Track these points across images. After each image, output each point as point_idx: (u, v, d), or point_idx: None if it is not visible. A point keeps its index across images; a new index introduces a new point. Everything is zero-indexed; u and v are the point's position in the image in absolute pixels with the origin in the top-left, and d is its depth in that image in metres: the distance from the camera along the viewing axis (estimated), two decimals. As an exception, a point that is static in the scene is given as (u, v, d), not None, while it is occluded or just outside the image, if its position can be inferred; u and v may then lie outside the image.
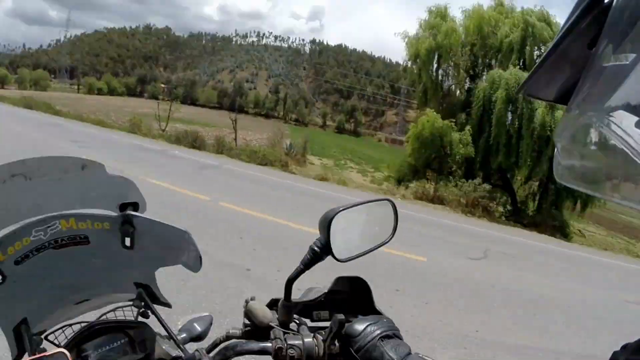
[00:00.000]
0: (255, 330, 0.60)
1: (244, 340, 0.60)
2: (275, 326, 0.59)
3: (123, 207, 0.64)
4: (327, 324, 0.58)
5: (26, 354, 0.59)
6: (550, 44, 0.37)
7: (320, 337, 0.57)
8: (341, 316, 0.54)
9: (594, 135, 0.30)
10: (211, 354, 0.59)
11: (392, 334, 0.56)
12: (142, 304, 0.68)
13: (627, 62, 0.27)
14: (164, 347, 0.63)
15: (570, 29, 0.34)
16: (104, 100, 55.99)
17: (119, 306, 0.70)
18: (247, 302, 0.61)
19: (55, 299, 0.65)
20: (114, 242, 0.61)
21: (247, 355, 0.58)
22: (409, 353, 0.53)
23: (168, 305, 0.71)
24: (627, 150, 0.26)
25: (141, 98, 76.93)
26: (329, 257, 0.59)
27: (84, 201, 0.63)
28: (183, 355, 0.62)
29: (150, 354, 0.60)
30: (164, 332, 0.65)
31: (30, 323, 0.60)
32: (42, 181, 0.59)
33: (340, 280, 0.64)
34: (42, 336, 0.56)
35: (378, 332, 0.55)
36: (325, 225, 0.59)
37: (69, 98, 46.43)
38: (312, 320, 0.63)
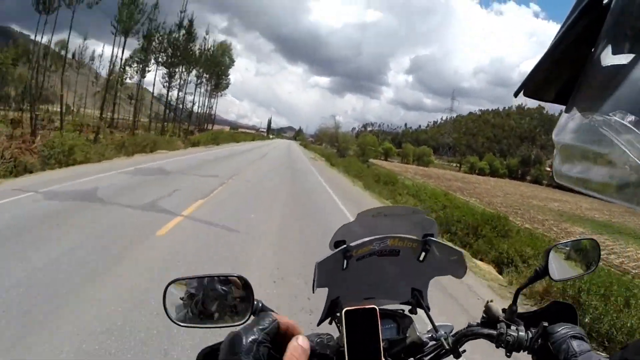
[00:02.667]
0: (489, 322, 0.83)
1: (479, 326, 0.83)
2: (502, 320, 0.81)
3: (425, 235, 0.92)
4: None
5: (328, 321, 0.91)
6: (550, 44, 0.37)
7: (530, 333, 0.77)
8: (546, 323, 0.74)
9: (593, 136, 0.29)
10: (454, 335, 0.83)
11: (580, 336, 0.71)
12: (415, 303, 0.97)
13: (627, 62, 0.27)
14: (418, 334, 0.86)
15: (569, 29, 0.34)
16: (496, 184, 50.89)
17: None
18: (487, 302, 0.86)
19: (360, 292, 0.96)
20: (414, 257, 0.92)
21: (480, 341, 0.81)
22: (589, 350, 0.69)
23: (428, 308, 0.96)
24: (626, 150, 0.26)
25: (522, 181, 73.94)
26: None
27: (409, 230, 0.92)
28: (435, 336, 0.85)
29: (408, 337, 0.84)
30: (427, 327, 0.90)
31: (341, 301, 0.90)
32: (392, 217, 0.92)
33: (555, 303, 0.84)
34: (344, 311, 0.70)
35: (570, 333, 0.71)
36: (545, 253, 0.85)
37: (456, 178, 48.02)
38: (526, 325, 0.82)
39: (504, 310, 0.83)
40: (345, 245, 0.85)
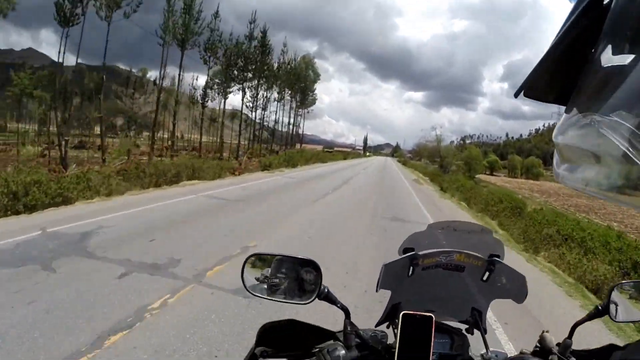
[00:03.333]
0: (542, 352, 0.82)
1: (530, 356, 0.82)
2: (556, 353, 0.80)
3: (491, 255, 0.90)
4: None
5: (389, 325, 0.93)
6: (550, 44, 0.37)
7: None
8: None
9: (593, 136, 0.29)
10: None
11: None
12: (472, 322, 0.96)
13: (627, 63, 0.27)
14: (470, 354, 0.86)
15: (570, 29, 0.34)
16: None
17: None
18: (543, 332, 0.85)
19: (421, 302, 0.92)
20: (478, 275, 0.91)
21: None
22: None
23: (485, 330, 0.95)
24: (627, 151, 0.25)
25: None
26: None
27: (475, 248, 0.90)
28: (486, 357, 0.85)
29: (460, 355, 0.84)
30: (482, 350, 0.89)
31: (402, 307, 0.89)
32: (461, 232, 0.94)
33: (611, 346, 0.80)
34: (401, 314, 0.76)
35: None
36: (609, 291, 0.84)
37: (577, 193, 40.21)
38: None
39: (558, 344, 0.82)
40: (413, 252, 0.87)
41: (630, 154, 0.25)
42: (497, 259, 0.89)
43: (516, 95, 0.42)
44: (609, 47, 0.30)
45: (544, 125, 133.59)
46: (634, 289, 0.91)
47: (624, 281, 0.87)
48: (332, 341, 0.80)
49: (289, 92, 38.95)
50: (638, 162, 0.25)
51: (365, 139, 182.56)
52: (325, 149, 75.76)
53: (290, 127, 43.50)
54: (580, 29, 0.34)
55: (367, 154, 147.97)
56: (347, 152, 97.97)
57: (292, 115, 43.12)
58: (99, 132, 21.92)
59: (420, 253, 0.87)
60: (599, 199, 0.31)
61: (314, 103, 47.60)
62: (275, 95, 35.50)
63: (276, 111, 38.27)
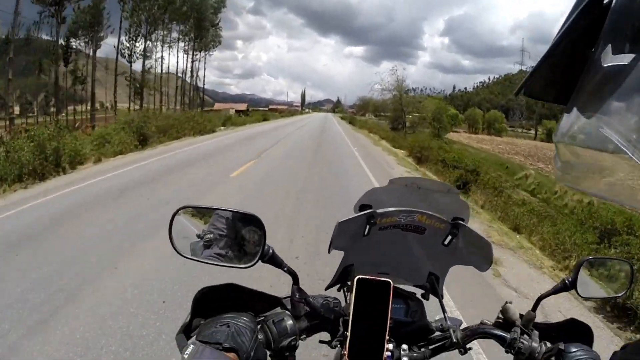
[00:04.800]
0: (503, 324, 0.79)
1: (492, 326, 0.79)
2: (518, 325, 0.77)
3: (455, 218, 0.84)
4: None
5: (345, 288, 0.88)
6: (550, 44, 0.36)
7: (543, 347, 0.74)
8: (562, 345, 0.71)
9: (593, 136, 0.29)
10: (463, 330, 0.80)
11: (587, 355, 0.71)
12: (429, 288, 0.91)
13: (627, 62, 0.27)
14: (427, 321, 0.82)
15: (570, 29, 0.34)
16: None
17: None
18: (506, 302, 0.81)
19: (375, 265, 0.89)
20: (439, 239, 0.85)
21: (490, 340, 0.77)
22: None
23: (442, 296, 0.91)
24: (627, 151, 0.25)
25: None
26: None
27: (439, 208, 0.84)
28: (444, 326, 0.81)
29: (416, 321, 0.81)
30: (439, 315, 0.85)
31: (354, 270, 0.86)
32: (425, 191, 0.87)
33: (573, 320, 0.79)
34: (356, 278, 0.70)
35: (585, 356, 0.69)
36: (577, 265, 0.81)
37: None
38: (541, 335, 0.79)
39: (521, 315, 0.80)
40: (371, 210, 0.81)
41: (630, 154, 0.25)
42: (461, 222, 0.84)
43: (516, 94, 0.42)
44: (609, 47, 0.30)
45: (488, 79, 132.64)
46: (601, 265, 0.93)
47: (591, 257, 0.88)
48: (278, 309, 0.73)
49: (180, 28, 29.11)
50: (638, 161, 0.24)
51: (303, 95, 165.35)
52: (238, 110, 52.16)
53: (187, 78, 33.61)
54: (580, 29, 0.33)
55: (306, 110, 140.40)
56: (282, 110, 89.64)
57: (188, 61, 33.00)
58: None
59: (379, 211, 0.81)
60: (601, 198, 0.32)
61: (219, 43, 36.74)
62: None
63: (161, 57, 28.79)
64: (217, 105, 63.52)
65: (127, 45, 24.63)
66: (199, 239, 0.71)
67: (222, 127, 24.05)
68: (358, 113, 77.32)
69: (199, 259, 0.70)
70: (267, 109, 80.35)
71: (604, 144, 0.28)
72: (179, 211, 0.72)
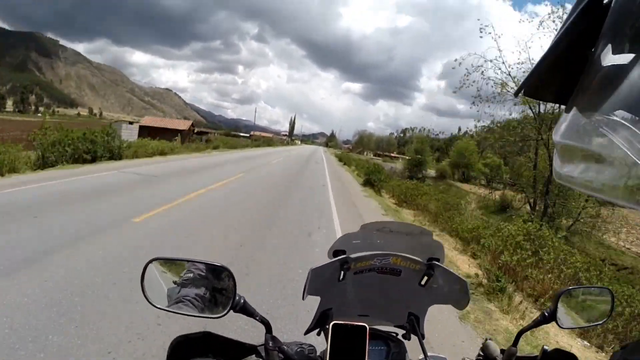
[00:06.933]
0: None
1: None
2: None
3: (430, 259, 0.84)
4: None
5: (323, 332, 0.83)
6: (550, 44, 0.37)
7: None
8: None
9: (593, 136, 0.29)
10: None
11: None
12: (409, 328, 0.91)
13: (627, 62, 0.27)
14: (411, 359, 0.81)
15: (569, 29, 0.34)
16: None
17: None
18: (486, 339, 0.83)
19: (354, 307, 0.88)
20: (415, 280, 0.85)
21: None
22: None
23: (422, 336, 0.91)
24: (627, 150, 0.25)
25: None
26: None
27: (413, 250, 0.84)
28: None
29: None
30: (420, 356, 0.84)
31: (333, 313, 0.84)
32: (397, 233, 0.87)
33: (556, 351, 0.78)
34: (331, 324, 0.70)
35: None
36: (555, 297, 0.80)
37: None
38: None
39: (502, 350, 0.79)
40: (344, 256, 0.81)
41: (630, 154, 0.25)
42: (436, 262, 0.85)
43: (516, 94, 0.41)
44: (609, 46, 0.29)
45: (475, 126, 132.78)
46: (580, 295, 0.88)
47: (570, 287, 0.87)
48: (253, 356, 0.74)
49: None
50: (638, 161, 0.24)
51: (292, 123, 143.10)
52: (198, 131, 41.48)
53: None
54: (580, 29, 0.34)
55: (298, 142, 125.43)
56: (269, 138, 75.23)
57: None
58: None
59: (353, 256, 0.82)
60: (600, 198, 0.32)
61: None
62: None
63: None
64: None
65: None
66: (172, 289, 0.71)
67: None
68: (354, 150, 63.89)
69: (172, 310, 0.70)
70: (235, 135, 64.06)
71: (603, 144, 0.28)
72: (150, 263, 0.72)
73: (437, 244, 0.88)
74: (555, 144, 0.37)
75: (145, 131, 33.80)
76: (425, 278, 0.84)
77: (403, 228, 0.89)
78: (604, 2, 0.31)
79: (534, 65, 0.38)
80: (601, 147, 0.28)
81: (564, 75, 0.37)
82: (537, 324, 0.79)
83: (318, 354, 0.76)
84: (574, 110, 0.34)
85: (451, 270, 0.86)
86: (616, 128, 0.26)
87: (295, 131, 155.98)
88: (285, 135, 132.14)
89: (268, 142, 61.90)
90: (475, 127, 15.47)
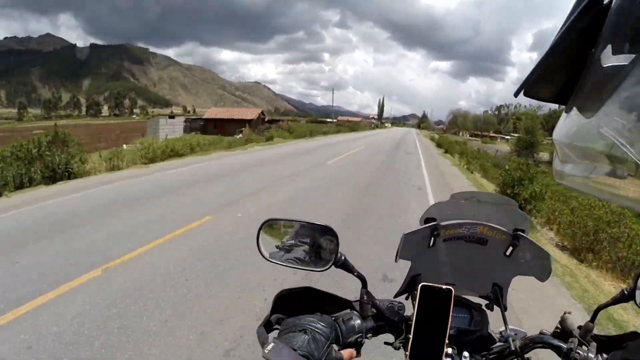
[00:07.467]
0: (562, 334, 0.78)
1: (550, 336, 0.78)
2: (576, 336, 0.76)
3: (516, 230, 0.86)
4: None
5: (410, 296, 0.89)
6: (549, 44, 0.37)
7: (601, 358, 0.71)
8: (620, 357, 0.69)
9: (593, 135, 0.29)
10: (522, 340, 0.79)
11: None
12: (493, 298, 0.92)
13: (627, 63, 0.27)
14: (489, 331, 0.83)
15: (569, 29, 0.34)
16: None
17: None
18: (565, 313, 0.80)
19: (442, 275, 0.91)
20: (501, 250, 0.87)
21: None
22: None
23: (505, 307, 0.92)
24: (626, 150, 0.25)
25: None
26: None
27: (500, 221, 0.86)
28: (504, 335, 0.81)
29: (478, 330, 0.83)
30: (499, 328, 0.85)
31: (421, 279, 0.86)
32: (485, 204, 0.90)
33: (634, 333, 0.74)
34: (420, 285, 0.73)
35: None
36: (636, 275, 0.78)
37: None
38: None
39: (579, 327, 0.78)
40: (435, 223, 0.85)
41: (630, 154, 0.25)
42: (521, 233, 0.86)
43: (516, 94, 0.42)
44: (609, 47, 0.29)
45: None
46: None
47: None
48: (348, 310, 0.79)
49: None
50: (638, 161, 0.24)
51: (380, 105, 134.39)
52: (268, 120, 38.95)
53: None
54: (580, 29, 0.33)
55: (387, 125, 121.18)
56: (355, 123, 74.15)
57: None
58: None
59: (443, 224, 0.85)
60: (600, 198, 0.31)
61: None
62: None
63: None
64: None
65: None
66: (283, 246, 0.80)
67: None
68: (449, 131, 59.00)
69: (281, 263, 0.79)
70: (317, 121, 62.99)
71: (603, 144, 0.28)
72: (265, 223, 0.82)
73: (523, 215, 0.89)
74: (555, 143, 0.37)
75: (212, 124, 33.82)
76: (510, 248, 0.86)
77: (491, 198, 0.93)
78: (604, 2, 0.31)
79: (534, 65, 0.38)
80: (601, 147, 0.28)
81: (564, 75, 0.36)
82: (615, 301, 0.78)
83: (407, 314, 0.80)
84: (574, 110, 0.34)
85: (536, 242, 0.87)
86: (616, 128, 0.26)
87: (385, 114, 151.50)
88: (375, 118, 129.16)
89: (352, 127, 58.35)
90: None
